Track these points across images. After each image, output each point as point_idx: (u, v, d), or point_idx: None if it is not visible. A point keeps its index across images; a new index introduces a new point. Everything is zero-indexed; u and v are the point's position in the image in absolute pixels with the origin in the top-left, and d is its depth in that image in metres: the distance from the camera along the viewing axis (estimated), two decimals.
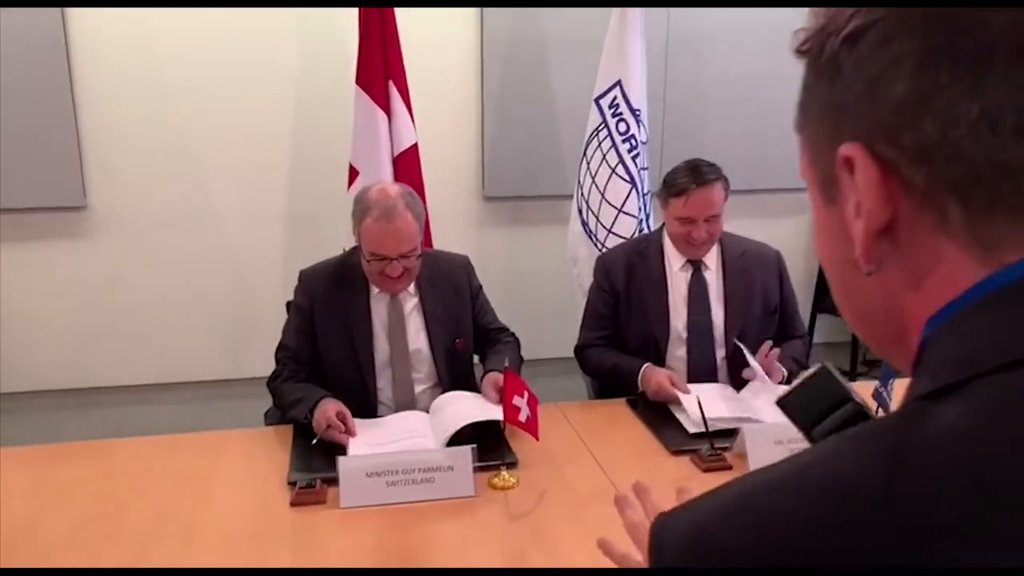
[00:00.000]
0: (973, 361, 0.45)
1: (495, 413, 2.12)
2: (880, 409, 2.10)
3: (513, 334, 2.60)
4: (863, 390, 2.65)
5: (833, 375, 0.89)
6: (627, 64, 3.44)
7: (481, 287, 2.56)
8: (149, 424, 3.68)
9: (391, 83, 3.32)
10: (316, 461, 2.08)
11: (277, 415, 2.44)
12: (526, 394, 1.99)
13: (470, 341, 2.50)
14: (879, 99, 0.48)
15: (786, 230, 4.15)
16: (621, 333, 2.64)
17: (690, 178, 2.42)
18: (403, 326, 2.39)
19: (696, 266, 2.58)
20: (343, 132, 3.58)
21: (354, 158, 3.39)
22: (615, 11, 3.44)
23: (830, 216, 0.55)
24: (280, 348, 2.42)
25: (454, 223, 3.99)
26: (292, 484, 1.96)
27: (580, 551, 1.73)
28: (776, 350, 2.43)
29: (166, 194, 3.75)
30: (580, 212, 3.61)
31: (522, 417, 1.97)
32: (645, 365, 2.49)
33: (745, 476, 0.52)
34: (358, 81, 3.31)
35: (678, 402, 2.35)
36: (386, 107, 3.32)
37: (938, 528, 0.40)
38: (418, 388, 2.41)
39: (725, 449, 2.13)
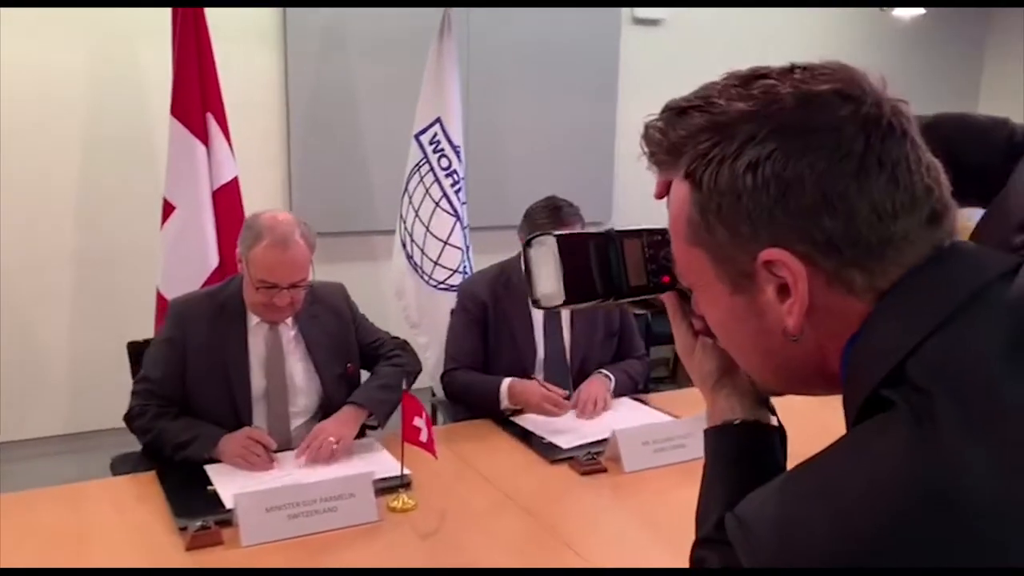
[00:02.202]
0: (899, 347, 0.60)
1: (388, 467, 2.11)
2: None
3: (399, 342, 2.55)
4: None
5: (553, 238, 0.84)
6: (445, 101, 3.57)
7: (357, 308, 2.52)
8: None
9: (209, 114, 3.19)
10: (197, 503, 1.95)
11: (129, 463, 2.25)
12: (424, 414, 2.00)
13: (358, 364, 2.45)
14: (790, 208, 0.63)
15: None
16: (488, 361, 2.69)
17: (552, 216, 2.54)
18: (281, 358, 2.31)
19: None
20: (150, 167, 3.38)
21: (169, 192, 3.20)
22: (432, 49, 3.56)
23: (737, 303, 0.69)
24: (141, 381, 2.26)
25: None
26: (183, 529, 1.83)
27: (501, 557, 1.78)
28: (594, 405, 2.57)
29: None
30: (404, 246, 3.66)
31: (422, 438, 1.99)
32: (508, 381, 2.54)
33: (791, 474, 0.66)
34: (173, 112, 3.15)
35: (556, 413, 2.45)
36: (204, 139, 3.18)
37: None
38: (295, 423, 2.33)
39: (599, 454, 2.27)
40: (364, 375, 2.48)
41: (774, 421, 0.90)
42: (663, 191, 0.87)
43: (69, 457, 3.52)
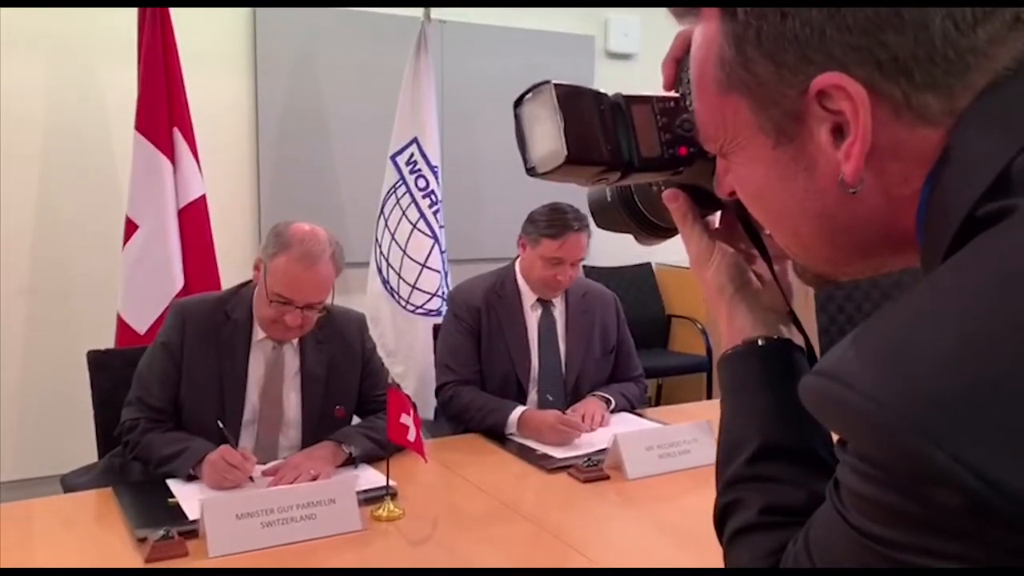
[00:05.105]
0: (1001, 152, 0.48)
1: (371, 479, 1.95)
2: None
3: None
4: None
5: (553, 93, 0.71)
6: (422, 121, 3.47)
7: (375, 348, 2.31)
8: None
9: (176, 130, 3.05)
10: (158, 514, 1.74)
11: (81, 478, 2.04)
12: (412, 411, 1.83)
13: (351, 408, 2.22)
14: (846, 23, 0.50)
15: None
16: (481, 371, 2.51)
17: (565, 222, 2.41)
18: (280, 383, 2.11)
19: (545, 305, 2.57)
20: (111, 186, 3.22)
21: (132, 210, 3.02)
22: (408, 69, 3.48)
23: (781, 157, 0.57)
24: (133, 389, 2.05)
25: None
26: (142, 540, 1.62)
27: (503, 563, 1.60)
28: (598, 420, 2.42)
29: None
30: (380, 271, 3.51)
31: (410, 436, 1.81)
32: (521, 410, 2.35)
33: (883, 313, 0.48)
34: (138, 127, 3.00)
35: (575, 435, 2.27)
36: (170, 155, 3.04)
37: None
38: (281, 454, 2.11)
39: (600, 462, 2.10)
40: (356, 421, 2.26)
41: (800, 340, 0.76)
42: (673, 72, 0.75)
43: None
